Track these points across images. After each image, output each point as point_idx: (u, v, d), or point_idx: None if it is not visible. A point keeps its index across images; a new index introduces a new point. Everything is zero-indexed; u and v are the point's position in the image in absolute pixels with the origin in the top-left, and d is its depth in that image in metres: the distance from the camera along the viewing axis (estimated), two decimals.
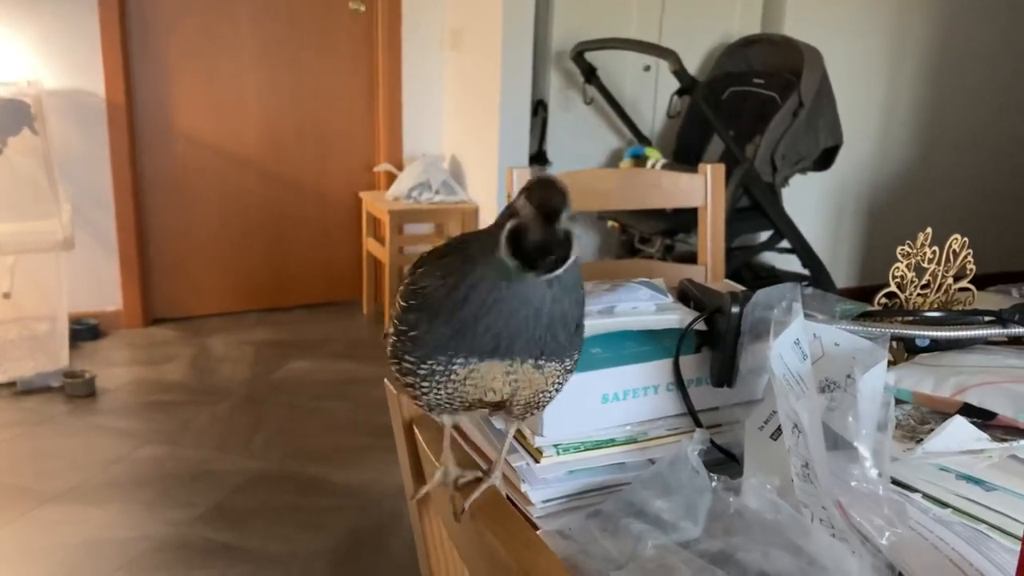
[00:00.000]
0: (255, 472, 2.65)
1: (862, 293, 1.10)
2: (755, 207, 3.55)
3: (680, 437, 0.90)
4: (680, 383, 0.94)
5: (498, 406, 0.77)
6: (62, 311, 3.31)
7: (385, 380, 0.83)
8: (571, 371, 0.78)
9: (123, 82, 3.60)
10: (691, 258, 3.41)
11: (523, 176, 1.69)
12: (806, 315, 0.87)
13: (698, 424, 0.93)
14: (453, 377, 0.73)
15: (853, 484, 0.75)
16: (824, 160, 3.76)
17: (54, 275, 3.26)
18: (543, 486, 0.85)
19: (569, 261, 0.65)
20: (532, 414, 0.80)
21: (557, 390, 0.78)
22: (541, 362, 0.73)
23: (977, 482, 0.84)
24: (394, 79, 4.02)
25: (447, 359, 0.72)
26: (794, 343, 0.83)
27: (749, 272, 3.83)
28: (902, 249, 1.08)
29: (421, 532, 0.81)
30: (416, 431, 0.78)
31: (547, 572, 0.56)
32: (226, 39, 3.81)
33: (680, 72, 3.36)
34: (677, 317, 0.95)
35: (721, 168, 1.78)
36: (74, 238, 3.16)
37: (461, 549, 0.72)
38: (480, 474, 0.79)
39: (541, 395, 0.77)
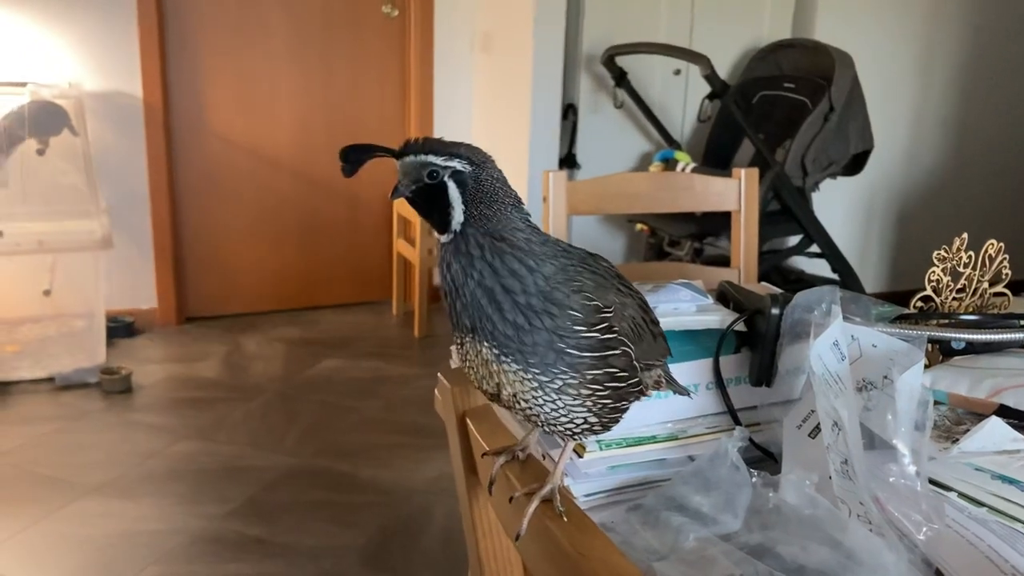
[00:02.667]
0: (287, 468, 2.69)
1: (891, 298, 1.11)
2: (785, 211, 3.56)
3: (719, 435, 0.92)
4: (720, 382, 0.96)
5: (506, 404, 0.78)
6: (100, 309, 3.37)
7: (439, 374, 0.86)
8: (556, 390, 0.74)
9: (160, 84, 3.67)
10: (720, 261, 3.42)
11: (559, 179, 1.72)
12: (844, 318, 0.89)
13: (737, 422, 0.95)
14: (461, 354, 0.77)
15: (891, 480, 0.77)
16: (854, 165, 3.75)
17: (92, 273, 3.33)
18: (585, 480, 0.88)
19: (403, 189, 0.72)
20: (541, 424, 0.78)
21: (553, 408, 0.75)
22: (496, 352, 0.72)
23: (1012, 482, 0.85)
24: (425, 82, 4.06)
25: (456, 334, 0.76)
26: (833, 344, 0.84)
27: (778, 276, 3.83)
28: (938, 254, 1.09)
29: (471, 519, 0.83)
30: (469, 423, 0.80)
31: (602, 555, 0.59)
32: (260, 42, 3.87)
33: (711, 76, 3.37)
34: (717, 318, 0.98)
35: (755, 172, 1.80)
36: (112, 237, 3.22)
37: (513, 534, 0.74)
38: (545, 491, 0.77)
39: (527, 402, 0.75)
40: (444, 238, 0.73)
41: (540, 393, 0.73)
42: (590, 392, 0.74)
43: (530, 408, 0.75)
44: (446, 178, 0.72)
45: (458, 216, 0.72)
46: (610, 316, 0.74)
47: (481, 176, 0.73)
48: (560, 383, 0.73)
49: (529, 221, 0.75)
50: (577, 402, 0.74)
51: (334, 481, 2.63)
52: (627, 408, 0.79)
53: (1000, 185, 4.65)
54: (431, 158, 0.71)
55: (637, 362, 0.77)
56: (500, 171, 0.75)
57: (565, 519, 0.68)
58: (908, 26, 4.29)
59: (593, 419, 0.76)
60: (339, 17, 3.95)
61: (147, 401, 3.16)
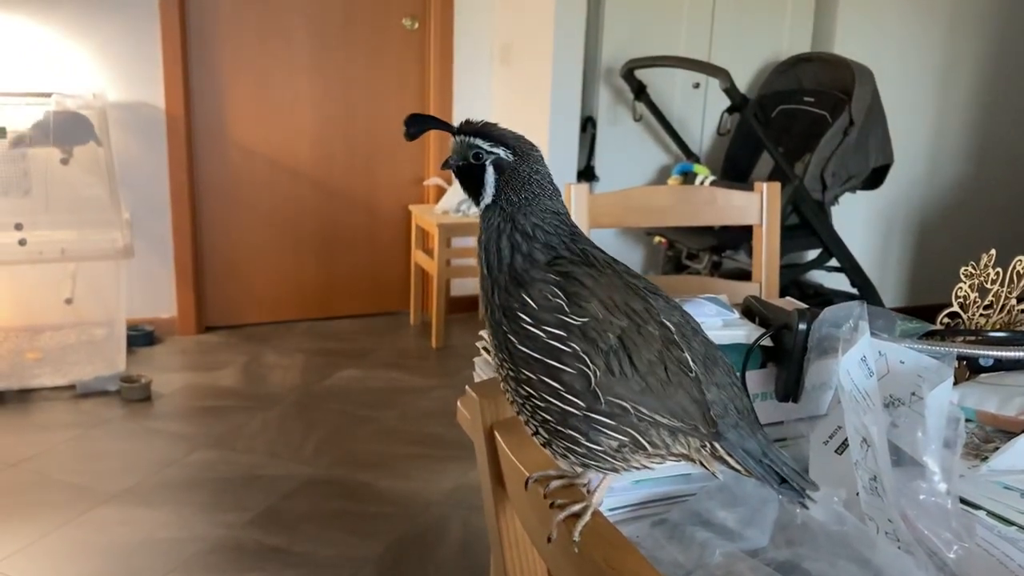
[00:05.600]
0: (305, 477, 2.70)
1: (911, 313, 1.11)
2: (804, 225, 3.55)
3: None
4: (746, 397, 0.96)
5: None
6: (120, 317, 3.39)
7: (467, 387, 0.86)
8: (503, 379, 0.74)
9: (182, 95, 3.70)
10: (739, 275, 3.42)
11: (580, 192, 1.72)
12: (871, 333, 0.89)
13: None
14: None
15: (921, 498, 0.76)
16: (874, 179, 3.74)
17: (113, 282, 3.35)
18: (609, 494, 0.88)
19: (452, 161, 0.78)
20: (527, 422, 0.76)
21: (509, 398, 0.75)
22: (486, 319, 0.76)
23: None
24: (445, 94, 4.08)
25: None
26: (861, 360, 0.84)
27: (797, 290, 3.82)
28: (965, 270, 1.09)
29: (497, 532, 0.83)
30: (497, 436, 0.81)
31: (636, 570, 0.59)
32: (281, 54, 3.90)
33: (731, 90, 3.38)
34: (744, 333, 0.98)
35: (777, 187, 1.79)
36: (133, 246, 3.24)
37: (544, 551, 0.74)
38: (576, 508, 0.73)
39: (500, 383, 0.77)
40: (479, 208, 0.79)
41: (497, 375, 0.76)
42: (527, 395, 0.72)
43: (503, 390, 0.77)
44: (487, 162, 0.77)
45: (487, 197, 0.77)
46: (573, 323, 0.69)
47: (520, 167, 0.77)
48: (504, 372, 0.74)
49: (559, 214, 0.77)
50: (519, 400, 0.74)
51: (352, 491, 2.63)
52: (595, 448, 0.71)
53: (1022, 199, 4.62)
54: (479, 141, 0.77)
55: (601, 390, 0.70)
56: (544, 167, 0.78)
57: (576, 549, 0.66)
58: (928, 40, 4.28)
59: (544, 433, 0.72)
60: (360, 29, 3.98)
61: (166, 409, 3.18)
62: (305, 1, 3.88)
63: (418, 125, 0.78)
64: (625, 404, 0.70)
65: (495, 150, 0.77)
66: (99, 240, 3.19)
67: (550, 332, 0.70)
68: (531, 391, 0.71)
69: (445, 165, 0.79)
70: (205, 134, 3.86)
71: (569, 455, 0.72)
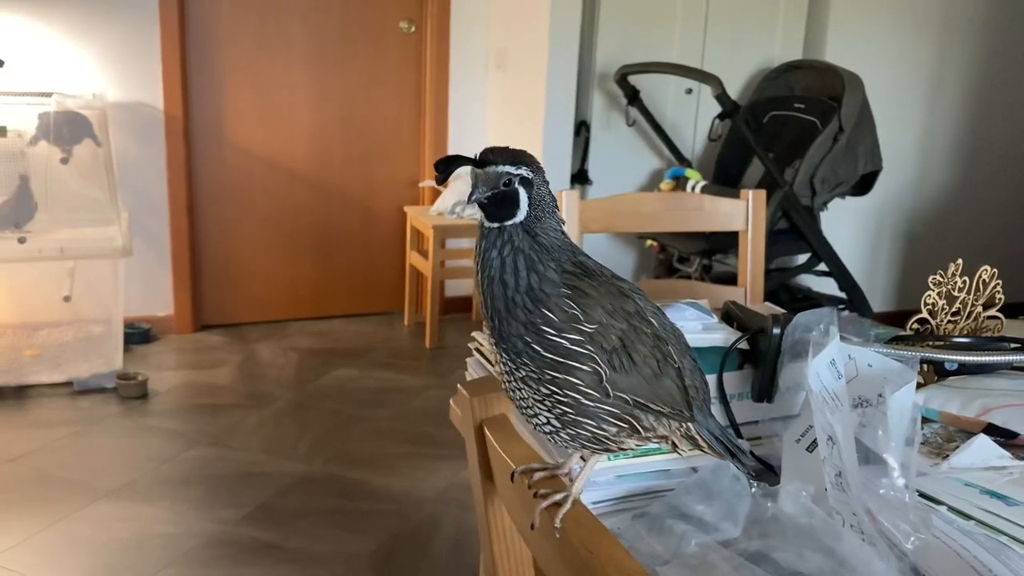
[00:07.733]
0: (300, 475, 2.74)
1: (899, 317, 1.15)
2: (793, 229, 3.60)
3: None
4: (723, 398, 1.01)
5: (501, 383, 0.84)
6: (118, 315, 3.43)
7: (459, 385, 0.91)
8: (520, 379, 0.79)
9: (181, 96, 3.74)
10: (729, 278, 3.47)
11: (571, 198, 1.77)
12: (842, 337, 0.94)
13: (739, 436, 1.00)
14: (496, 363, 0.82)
15: (881, 492, 0.81)
16: (863, 185, 3.79)
17: (111, 280, 3.39)
18: (593, 488, 0.93)
19: (476, 195, 0.77)
20: (517, 408, 0.83)
21: (520, 396, 0.80)
22: (490, 330, 0.79)
23: (999, 497, 0.90)
24: (440, 97, 4.12)
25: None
26: (830, 363, 0.89)
27: (786, 294, 3.86)
28: (934, 278, 1.14)
29: (486, 523, 0.88)
30: (487, 432, 0.85)
31: (609, 552, 0.63)
32: (279, 56, 3.94)
33: (722, 96, 3.42)
34: (722, 336, 1.03)
35: (762, 194, 1.84)
36: (131, 245, 3.28)
37: (528, 537, 0.79)
38: (558, 497, 0.78)
39: (504, 383, 0.81)
40: (490, 225, 0.79)
41: (509, 378, 0.80)
42: (549, 392, 0.78)
43: (506, 389, 0.82)
44: (517, 184, 0.78)
45: (519, 216, 0.78)
46: (587, 330, 0.77)
47: (539, 183, 0.79)
48: (523, 373, 0.78)
49: (560, 229, 0.81)
50: (537, 398, 0.79)
51: (345, 489, 2.67)
52: (600, 433, 0.79)
53: (1009, 206, 4.67)
54: (508, 167, 0.78)
55: (610, 386, 0.78)
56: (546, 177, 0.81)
57: (557, 535, 0.72)
58: (918, 48, 4.33)
59: (556, 423, 0.80)
60: (357, 32, 4.02)
61: (163, 407, 3.22)
62: (303, 4, 3.92)
63: (446, 166, 0.79)
64: (626, 396, 0.79)
65: (520, 171, 0.78)
66: (97, 239, 3.22)
67: (571, 339, 0.77)
68: (554, 388, 0.78)
69: (470, 200, 0.78)
70: (203, 135, 3.90)
71: (574, 440, 0.80)
